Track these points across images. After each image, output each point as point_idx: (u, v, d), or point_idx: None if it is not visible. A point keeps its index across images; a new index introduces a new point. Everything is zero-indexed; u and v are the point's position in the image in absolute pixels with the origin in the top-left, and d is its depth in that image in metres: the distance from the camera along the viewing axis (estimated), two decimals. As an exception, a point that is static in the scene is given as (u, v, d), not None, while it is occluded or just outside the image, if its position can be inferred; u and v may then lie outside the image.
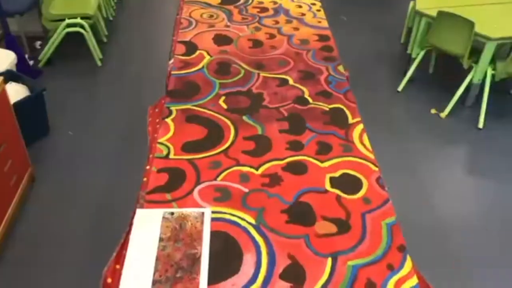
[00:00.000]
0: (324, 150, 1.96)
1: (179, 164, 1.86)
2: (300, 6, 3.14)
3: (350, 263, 1.51)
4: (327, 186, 1.79)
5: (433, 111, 3.71)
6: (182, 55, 2.57)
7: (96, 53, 4.04)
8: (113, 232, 2.59)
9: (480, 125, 3.56)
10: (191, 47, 2.65)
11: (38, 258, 2.49)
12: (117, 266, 1.72)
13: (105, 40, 4.38)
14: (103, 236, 2.61)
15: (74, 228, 2.66)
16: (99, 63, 3.97)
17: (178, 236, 1.51)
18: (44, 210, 2.77)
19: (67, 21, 3.90)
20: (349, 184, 1.80)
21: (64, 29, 3.91)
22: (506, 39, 3.46)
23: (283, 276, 1.46)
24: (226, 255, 1.52)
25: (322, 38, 2.77)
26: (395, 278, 1.47)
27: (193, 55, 2.57)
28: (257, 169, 1.85)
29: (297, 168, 1.86)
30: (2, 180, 2.52)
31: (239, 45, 2.68)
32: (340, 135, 2.04)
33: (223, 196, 1.73)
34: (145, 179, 1.93)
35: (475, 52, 3.56)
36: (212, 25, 2.89)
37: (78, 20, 3.91)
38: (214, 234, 1.59)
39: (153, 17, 4.98)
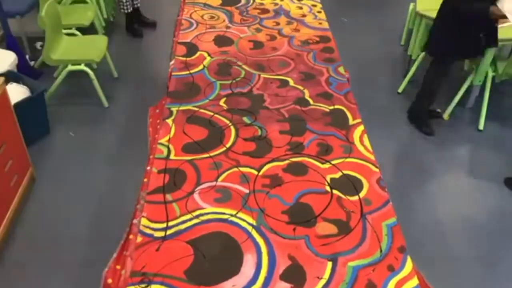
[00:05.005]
0: (324, 151, 1.96)
1: (180, 165, 1.86)
2: (300, 8, 3.14)
3: (350, 264, 1.51)
4: (328, 187, 1.79)
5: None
6: (183, 56, 2.58)
7: (103, 93, 3.66)
8: (113, 232, 2.59)
9: (481, 126, 3.56)
10: (192, 48, 2.65)
11: (38, 258, 2.49)
12: (118, 267, 1.72)
13: (116, 75, 4.05)
14: (103, 237, 2.61)
15: (74, 228, 2.66)
16: (106, 104, 3.65)
17: None
18: (44, 210, 2.77)
19: (70, 67, 3.52)
20: (349, 185, 1.81)
21: (66, 69, 3.57)
22: (506, 41, 3.46)
23: (284, 277, 1.46)
24: (226, 256, 1.52)
25: (323, 39, 2.78)
26: (395, 279, 1.47)
27: (194, 56, 2.58)
28: (257, 170, 1.85)
29: (298, 169, 1.87)
30: (3, 180, 2.52)
31: (240, 46, 2.68)
32: (341, 136, 2.04)
33: (223, 197, 1.73)
34: (145, 179, 1.93)
35: (476, 54, 3.57)
36: (213, 26, 2.89)
37: (82, 67, 3.52)
38: (214, 235, 1.59)
39: (154, 18, 4.98)
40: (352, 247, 1.57)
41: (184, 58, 2.55)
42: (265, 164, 1.88)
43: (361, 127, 2.10)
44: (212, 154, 1.92)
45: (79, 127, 3.45)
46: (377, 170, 1.88)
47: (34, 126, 3.20)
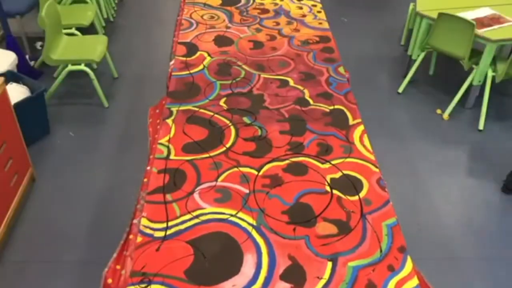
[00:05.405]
0: (324, 151, 1.96)
1: (180, 165, 1.86)
2: (300, 8, 3.14)
3: (350, 264, 1.51)
4: (328, 187, 1.79)
5: (438, 111, 3.71)
6: (183, 56, 2.58)
7: (103, 93, 3.67)
8: (113, 232, 2.60)
9: (481, 126, 3.56)
10: (192, 48, 2.65)
11: (38, 258, 2.49)
12: (118, 267, 1.72)
13: (116, 75, 4.06)
14: (103, 237, 2.61)
15: (74, 228, 2.66)
16: (106, 104, 3.66)
17: None
18: (44, 210, 2.77)
19: (70, 67, 3.54)
20: (349, 185, 1.81)
21: (66, 69, 3.58)
22: (506, 41, 3.46)
23: (284, 277, 1.46)
24: (226, 256, 1.52)
25: (323, 39, 2.78)
26: (395, 279, 1.47)
27: (194, 56, 2.58)
28: (257, 170, 1.85)
29: (298, 169, 1.86)
30: (3, 180, 2.52)
31: (240, 46, 2.68)
32: (341, 136, 2.04)
33: (223, 197, 1.73)
34: (145, 179, 1.93)
35: (476, 54, 3.57)
36: (213, 26, 2.89)
37: (82, 67, 3.54)
38: (214, 235, 1.59)
39: (154, 18, 4.98)
40: (352, 247, 1.57)
41: (184, 58, 2.55)
42: (265, 164, 1.88)
43: (361, 127, 2.10)
44: (212, 154, 1.93)
45: (79, 127, 3.45)
46: (377, 170, 1.88)
47: (34, 126, 3.20)
